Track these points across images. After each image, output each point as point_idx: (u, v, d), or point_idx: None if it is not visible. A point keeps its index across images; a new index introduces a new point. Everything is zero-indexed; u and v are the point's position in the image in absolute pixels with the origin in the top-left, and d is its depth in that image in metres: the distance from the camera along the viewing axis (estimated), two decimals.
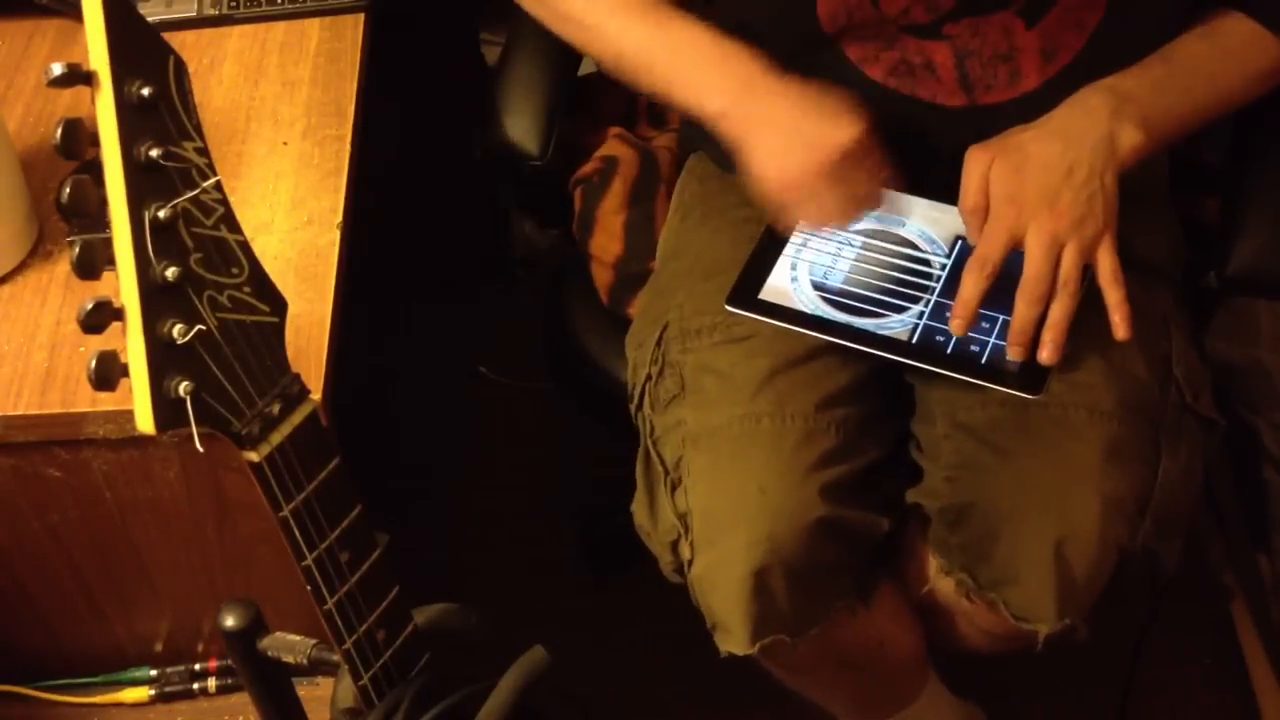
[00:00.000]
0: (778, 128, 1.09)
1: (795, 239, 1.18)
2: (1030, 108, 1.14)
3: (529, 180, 1.38)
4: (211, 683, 1.40)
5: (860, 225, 1.18)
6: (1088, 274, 1.09)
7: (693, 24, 1.14)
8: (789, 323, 1.14)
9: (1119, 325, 1.08)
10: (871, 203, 1.13)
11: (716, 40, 1.13)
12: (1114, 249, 1.09)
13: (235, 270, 0.78)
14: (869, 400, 1.17)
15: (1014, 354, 1.09)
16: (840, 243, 1.18)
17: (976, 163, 1.12)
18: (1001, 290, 1.09)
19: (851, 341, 1.13)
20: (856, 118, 1.09)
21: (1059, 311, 1.08)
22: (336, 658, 0.92)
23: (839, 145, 1.08)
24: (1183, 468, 1.12)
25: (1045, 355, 1.08)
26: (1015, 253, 1.09)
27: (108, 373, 0.74)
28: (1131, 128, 1.10)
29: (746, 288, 1.16)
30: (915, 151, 1.16)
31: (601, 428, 1.36)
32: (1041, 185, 1.09)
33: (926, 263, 1.16)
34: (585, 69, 1.45)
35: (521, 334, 1.58)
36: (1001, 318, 1.11)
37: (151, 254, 0.73)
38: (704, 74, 1.12)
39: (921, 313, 1.13)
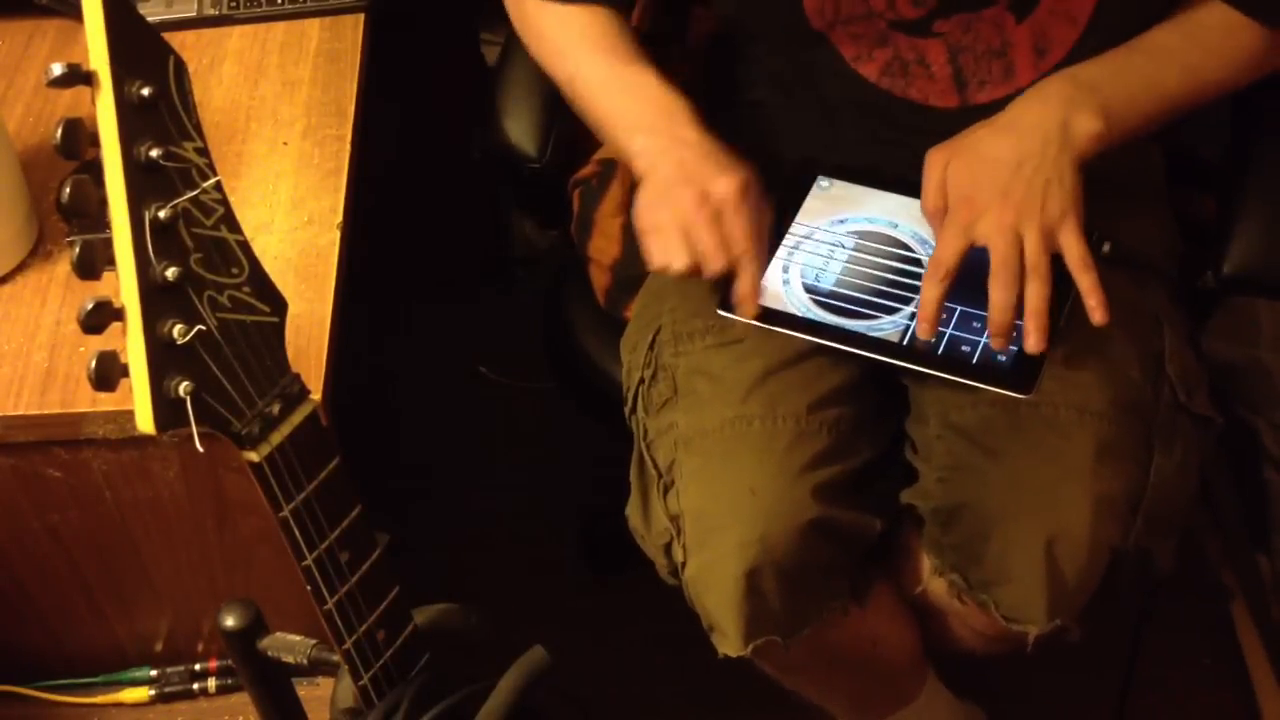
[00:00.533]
0: (670, 167, 1.12)
1: (788, 241, 1.18)
2: None
3: (528, 181, 1.38)
4: (211, 683, 1.40)
5: (852, 227, 1.18)
6: (1060, 265, 1.08)
7: (646, 70, 1.18)
8: (781, 326, 1.14)
9: (1095, 310, 1.06)
10: (720, 260, 1.09)
11: (660, 88, 1.16)
12: (1079, 234, 1.07)
13: (235, 270, 0.78)
14: (862, 401, 1.17)
15: (995, 345, 1.08)
16: (832, 245, 1.18)
17: (934, 164, 1.12)
18: (983, 290, 1.08)
19: (843, 344, 1.13)
20: (740, 176, 1.10)
21: (1034, 297, 1.06)
22: (336, 658, 0.92)
23: (709, 192, 1.09)
24: (1176, 466, 1.12)
25: (1031, 344, 1.06)
26: (985, 251, 1.09)
27: (108, 373, 0.74)
28: (1088, 115, 1.10)
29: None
30: (907, 153, 1.16)
31: (601, 428, 1.36)
32: (992, 181, 1.08)
33: (918, 264, 1.16)
34: None
35: (521, 334, 1.58)
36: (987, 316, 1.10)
37: (151, 254, 0.74)
38: (634, 112, 1.16)
39: (913, 314, 1.13)
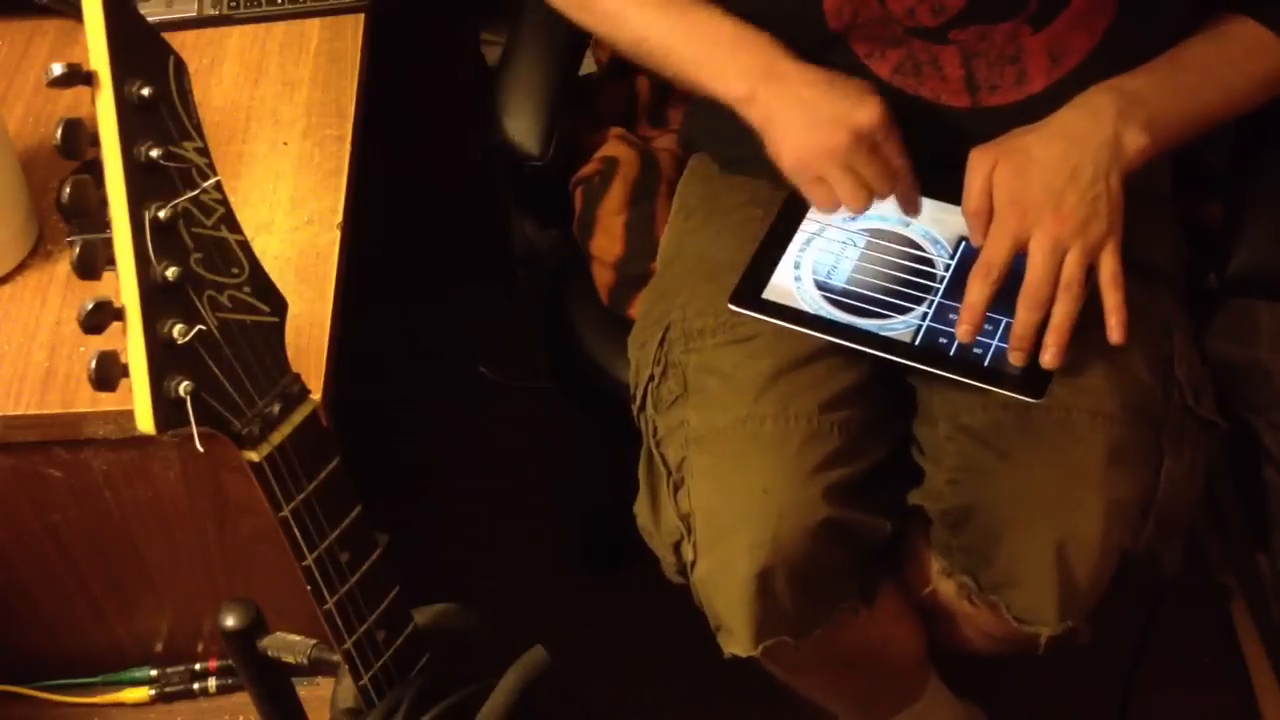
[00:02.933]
0: (799, 108, 1.11)
1: (799, 238, 1.18)
2: (1035, 109, 1.14)
3: (529, 180, 1.38)
4: (211, 683, 1.40)
5: (864, 225, 1.18)
6: (1091, 277, 1.09)
7: (712, 11, 1.16)
8: (792, 322, 1.14)
9: (1114, 329, 1.08)
10: (889, 185, 1.12)
11: (735, 26, 1.15)
12: (1118, 252, 1.09)
13: (235, 270, 0.78)
14: (871, 402, 1.17)
15: (1015, 359, 1.09)
16: (844, 242, 1.18)
17: (979, 165, 1.11)
18: (1004, 293, 1.08)
19: (854, 342, 1.13)
20: (877, 101, 1.10)
21: (1061, 315, 1.07)
22: (336, 658, 0.92)
23: (858, 125, 1.09)
24: (1185, 470, 1.12)
25: (1048, 359, 1.08)
26: (1018, 255, 1.09)
27: (108, 373, 0.74)
28: (1137, 130, 1.10)
29: (750, 287, 1.16)
30: (919, 151, 1.16)
31: (602, 427, 1.36)
32: (1045, 188, 1.08)
33: (930, 263, 1.16)
34: (586, 69, 1.45)
35: (521, 334, 1.58)
36: (1004, 320, 1.10)
37: (152, 254, 0.73)
38: (726, 60, 1.14)
39: (925, 314, 1.13)
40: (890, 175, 1.11)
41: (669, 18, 1.17)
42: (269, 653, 0.94)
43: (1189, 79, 1.14)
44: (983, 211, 1.11)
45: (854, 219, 1.19)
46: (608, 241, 1.36)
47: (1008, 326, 1.10)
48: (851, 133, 1.09)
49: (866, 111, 1.09)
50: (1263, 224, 1.23)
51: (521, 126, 1.35)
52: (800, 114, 1.10)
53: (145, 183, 0.73)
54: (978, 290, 1.08)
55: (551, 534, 1.83)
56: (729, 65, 1.14)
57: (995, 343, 1.10)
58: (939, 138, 1.15)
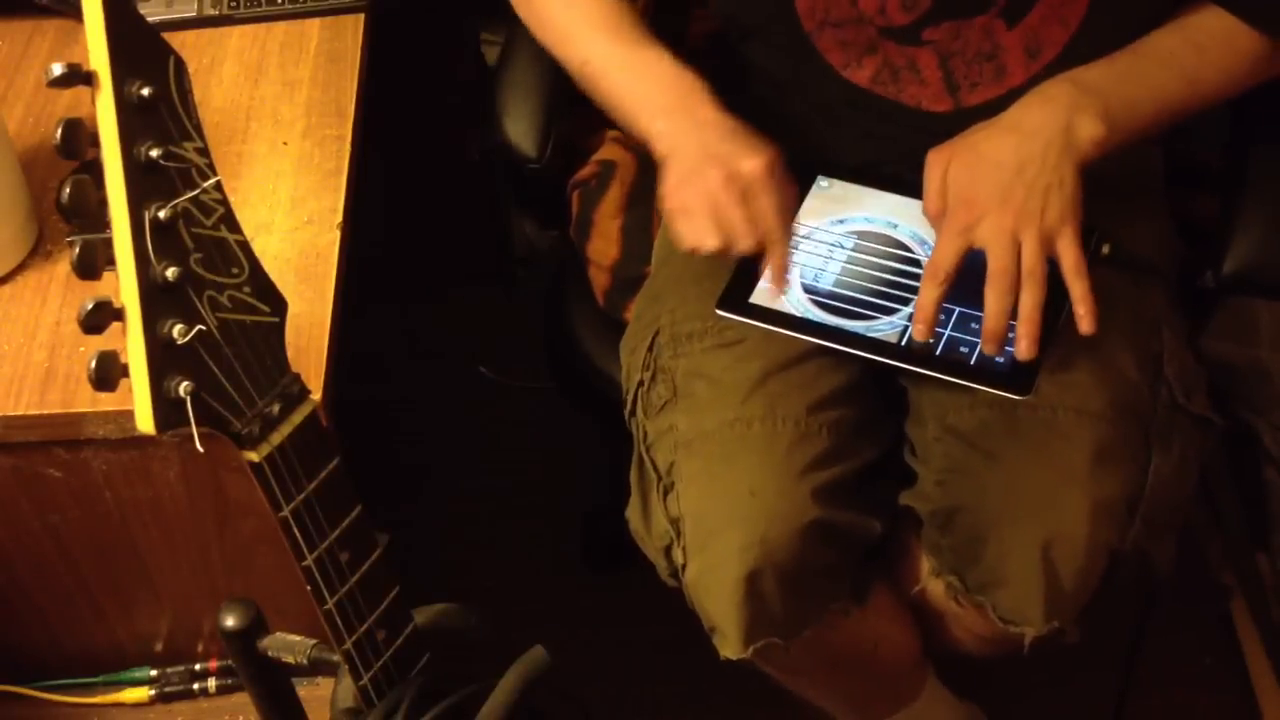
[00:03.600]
0: (694, 148, 1.11)
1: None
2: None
3: (528, 182, 1.38)
4: (211, 683, 1.40)
5: (852, 227, 1.18)
6: (1054, 268, 1.08)
7: (655, 48, 1.17)
8: (779, 326, 1.14)
9: (1084, 319, 1.06)
10: (750, 238, 1.10)
11: (673, 68, 1.15)
12: (1076, 241, 1.07)
13: (235, 270, 0.78)
14: (862, 403, 1.17)
15: (987, 350, 1.08)
16: (831, 245, 1.18)
17: (934, 165, 1.12)
18: (981, 291, 1.08)
19: (840, 344, 1.13)
20: (768, 155, 1.10)
21: (1028, 304, 1.06)
22: (336, 658, 0.92)
23: (735, 169, 1.09)
24: (1175, 467, 1.12)
25: (1021, 350, 1.06)
26: (978, 254, 1.09)
27: (108, 373, 0.74)
28: (1091, 119, 1.09)
29: (737, 292, 1.16)
30: (903, 155, 1.16)
31: (601, 428, 1.36)
32: (993, 183, 1.08)
33: (918, 264, 1.16)
34: None
35: (521, 334, 1.58)
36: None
37: (151, 254, 0.74)
38: (652, 94, 1.15)
39: (911, 315, 1.13)
40: (754, 230, 1.09)
41: (613, 46, 1.18)
42: (269, 653, 0.94)
43: (1148, 69, 1.14)
44: (940, 212, 1.11)
45: (842, 221, 1.19)
46: (604, 245, 1.36)
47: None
48: (726, 174, 1.08)
49: (752, 160, 1.09)
50: (1259, 222, 1.23)
51: (519, 128, 1.35)
52: (692, 153, 1.11)
53: (145, 183, 0.73)
54: (927, 291, 1.08)
55: (551, 534, 1.83)
56: (652, 100, 1.15)
57: (980, 341, 1.10)
58: (924, 140, 1.15)
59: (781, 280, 1.12)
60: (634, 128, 1.17)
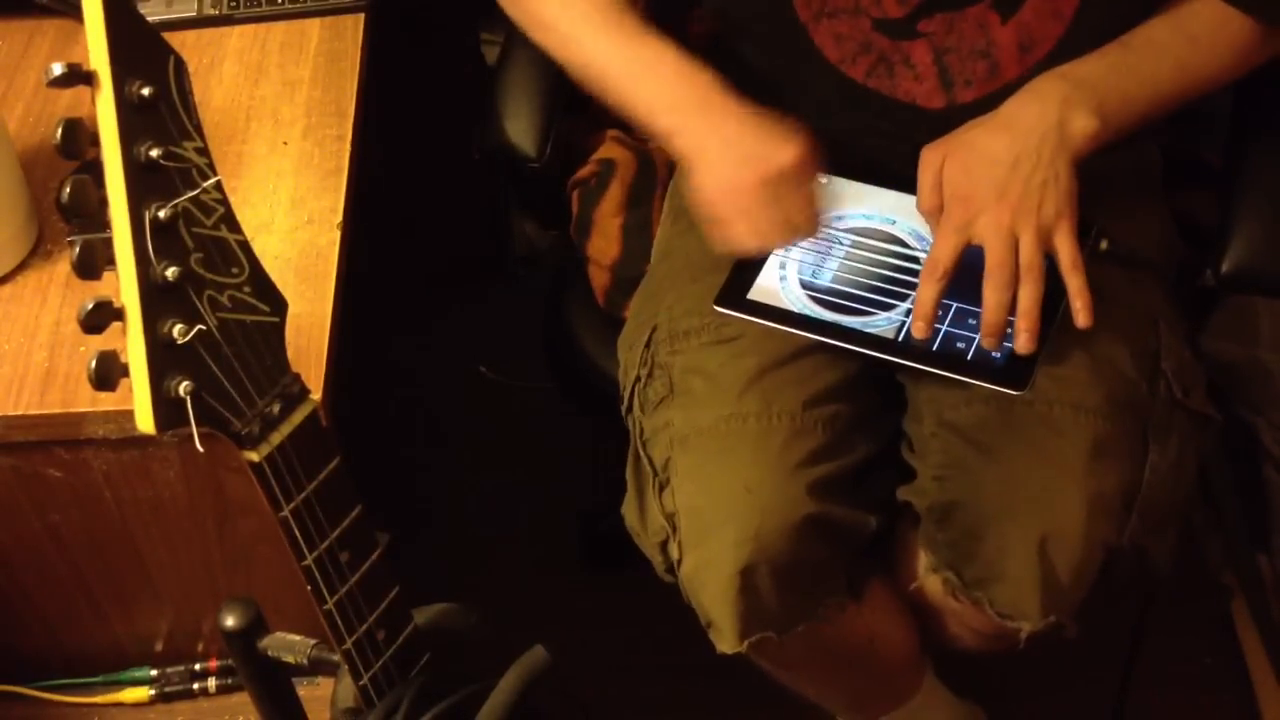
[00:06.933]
0: (722, 144, 1.10)
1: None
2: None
3: (528, 181, 1.38)
4: (211, 683, 1.40)
5: (850, 224, 1.19)
6: (1051, 263, 1.08)
7: (659, 42, 1.15)
8: (776, 322, 1.14)
9: (1080, 312, 1.07)
10: (806, 229, 1.11)
11: (679, 60, 1.14)
12: (1072, 236, 1.08)
13: (235, 270, 0.78)
14: (859, 398, 1.17)
15: (986, 344, 1.09)
16: (830, 241, 1.18)
17: (929, 162, 1.12)
18: (978, 287, 1.09)
19: (838, 340, 1.13)
20: (800, 141, 1.09)
21: (1026, 298, 1.07)
22: (336, 658, 0.92)
23: (779, 164, 1.08)
24: (1172, 463, 1.12)
25: (1020, 344, 1.07)
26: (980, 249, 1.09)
27: (108, 373, 0.74)
28: (1084, 114, 1.10)
29: (735, 288, 1.17)
30: (898, 150, 1.16)
31: (600, 427, 1.36)
32: (989, 179, 1.08)
33: (916, 260, 1.16)
34: None
35: (521, 334, 1.58)
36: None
37: (152, 254, 0.74)
38: (661, 90, 1.14)
39: (908, 310, 1.13)
40: (788, 228, 1.10)
41: (614, 43, 1.16)
42: (269, 653, 0.94)
43: (1140, 61, 1.14)
44: (935, 209, 1.11)
45: (840, 217, 1.19)
46: (604, 244, 1.37)
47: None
48: (761, 176, 1.08)
49: (782, 155, 1.08)
50: (1258, 221, 1.23)
51: (519, 128, 1.35)
52: (723, 151, 1.10)
53: (145, 183, 0.73)
54: (926, 288, 1.08)
55: (551, 534, 1.83)
56: (663, 96, 1.13)
57: (978, 337, 1.11)
58: (917, 136, 1.16)
59: (817, 256, 1.14)
60: (645, 126, 1.16)
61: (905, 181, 1.17)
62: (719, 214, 1.11)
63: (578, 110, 1.45)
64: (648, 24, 1.18)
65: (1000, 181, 1.08)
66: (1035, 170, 1.08)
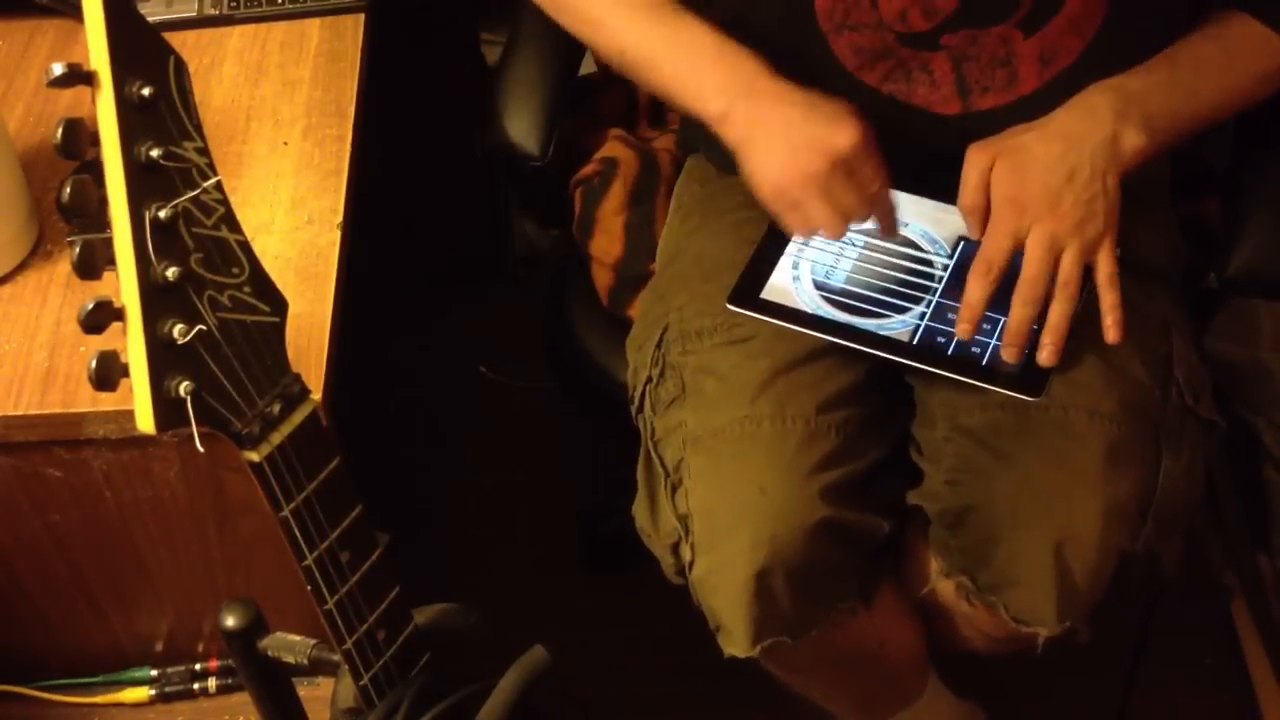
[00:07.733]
0: (777, 130, 1.08)
1: (798, 238, 1.18)
2: (1026, 110, 1.14)
3: (529, 180, 1.38)
4: (211, 683, 1.40)
5: (863, 226, 1.18)
6: (1088, 277, 1.09)
7: (696, 24, 1.13)
8: (790, 322, 1.14)
9: (1111, 328, 1.08)
10: (866, 210, 1.11)
11: (719, 41, 1.12)
12: (1114, 252, 1.09)
13: (235, 270, 0.78)
14: (869, 402, 1.17)
15: (1008, 355, 1.09)
16: (843, 242, 1.18)
17: (976, 161, 1.12)
18: (1002, 292, 1.09)
19: (852, 342, 1.13)
20: (856, 123, 1.08)
21: (1058, 314, 1.08)
22: (336, 658, 0.92)
23: (836, 150, 1.07)
24: (1184, 469, 1.12)
25: (1044, 357, 1.08)
26: (1015, 254, 1.09)
27: (108, 373, 0.74)
28: (1135, 130, 1.10)
29: (748, 287, 1.16)
30: (913, 155, 1.16)
31: (601, 428, 1.36)
32: (1043, 187, 1.08)
33: (929, 263, 1.16)
34: (586, 69, 1.45)
35: (521, 334, 1.58)
36: (1002, 319, 1.10)
37: (152, 254, 0.73)
38: (706, 75, 1.11)
39: (923, 313, 1.13)
40: (867, 200, 1.09)
41: (651, 28, 1.14)
42: (269, 653, 0.94)
43: (1187, 78, 1.14)
44: (978, 207, 1.11)
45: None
46: (607, 242, 1.36)
47: (1005, 326, 1.10)
48: (829, 158, 1.06)
49: (845, 135, 1.07)
50: (1263, 224, 1.23)
51: (521, 127, 1.35)
52: (778, 136, 1.08)
53: (145, 183, 0.73)
54: (977, 288, 1.08)
55: (551, 534, 1.83)
56: (708, 80, 1.11)
57: (993, 341, 1.10)
58: (932, 141, 1.15)
59: (894, 229, 1.14)
60: (691, 110, 1.14)
61: (919, 186, 1.17)
62: (781, 205, 1.10)
63: (580, 108, 1.45)
64: (681, 5, 1.15)
65: (1054, 192, 1.08)
66: (1088, 184, 1.08)
